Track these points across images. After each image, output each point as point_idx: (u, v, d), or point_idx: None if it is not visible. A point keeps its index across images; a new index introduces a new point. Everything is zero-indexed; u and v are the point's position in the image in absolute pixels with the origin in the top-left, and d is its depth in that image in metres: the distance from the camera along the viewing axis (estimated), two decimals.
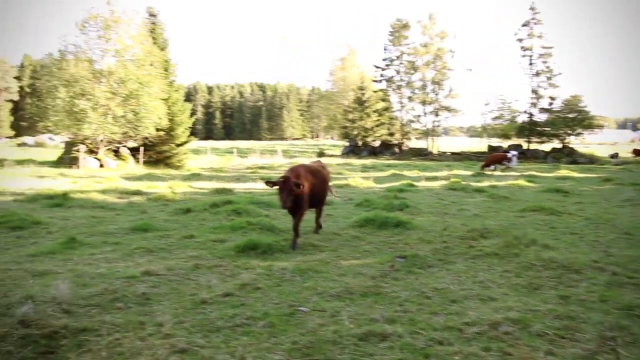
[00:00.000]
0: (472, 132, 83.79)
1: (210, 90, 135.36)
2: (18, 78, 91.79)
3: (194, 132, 39.30)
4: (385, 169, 30.61)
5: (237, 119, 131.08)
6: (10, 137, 76.24)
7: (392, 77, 59.49)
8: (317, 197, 9.18)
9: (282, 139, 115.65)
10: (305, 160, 25.91)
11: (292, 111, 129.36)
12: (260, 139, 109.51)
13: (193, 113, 39.99)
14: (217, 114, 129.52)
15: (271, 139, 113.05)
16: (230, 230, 9.85)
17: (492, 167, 28.64)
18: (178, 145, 34.29)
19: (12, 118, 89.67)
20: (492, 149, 49.61)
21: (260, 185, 17.79)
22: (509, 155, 30.06)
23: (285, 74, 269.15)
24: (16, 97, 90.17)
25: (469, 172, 27.63)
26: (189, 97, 67.92)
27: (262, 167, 31.59)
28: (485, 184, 19.81)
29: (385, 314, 5.05)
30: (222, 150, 53.25)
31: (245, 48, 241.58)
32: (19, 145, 51.52)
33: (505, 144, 52.51)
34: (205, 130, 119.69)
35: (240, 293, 5.88)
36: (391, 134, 58.30)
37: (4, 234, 9.56)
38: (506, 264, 7.12)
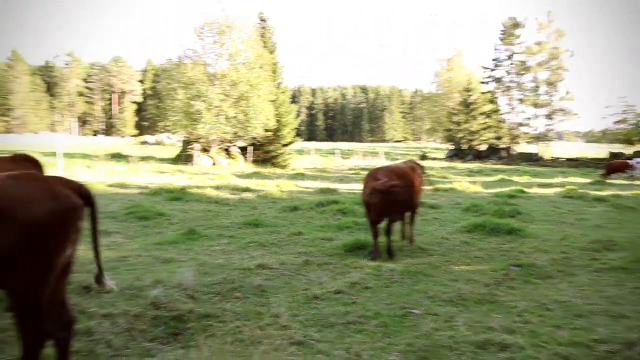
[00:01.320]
0: (590, 138, 77.80)
1: (314, 92, 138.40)
2: (142, 82, 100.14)
3: (298, 134, 40.41)
4: (493, 174, 29.35)
5: (339, 121, 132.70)
6: (134, 136, 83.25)
7: (501, 78, 56.87)
8: (410, 201, 8.42)
9: (384, 141, 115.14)
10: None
11: (394, 113, 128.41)
12: (361, 141, 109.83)
13: (297, 115, 41.10)
14: (320, 116, 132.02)
15: (372, 141, 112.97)
16: (337, 230, 10.00)
17: (613, 175, 26.33)
18: (284, 145, 35.42)
19: (136, 118, 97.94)
20: (613, 156, 45.66)
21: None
22: (632, 163, 27.39)
23: (387, 76, 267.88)
24: (140, 100, 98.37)
25: (587, 180, 25.64)
26: (294, 99, 69.90)
27: (364, 169, 31.62)
28: (606, 193, 18.28)
29: (503, 324, 4.84)
30: (324, 151, 54.17)
31: (349, 51, 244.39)
32: (142, 143, 56.11)
33: (629, 150, 48.10)
34: (309, 131, 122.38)
35: (351, 291, 5.95)
36: (499, 138, 55.75)
37: (133, 223, 10.46)
38: (637, 280, 6.53)
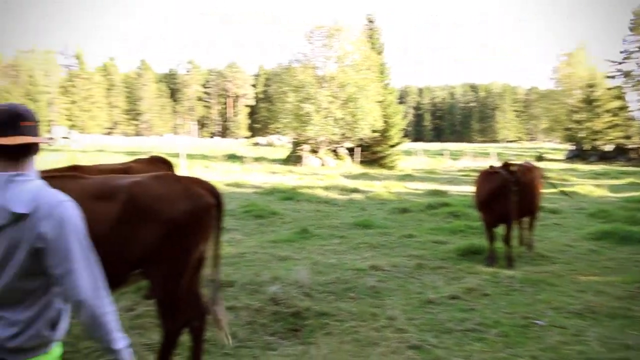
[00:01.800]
0: None
1: (420, 92, 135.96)
2: (254, 86, 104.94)
3: (405, 134, 39.93)
4: (621, 176, 26.85)
5: (447, 120, 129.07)
6: (246, 137, 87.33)
7: (631, 71, 51.90)
8: (528, 204, 7.82)
9: (495, 141, 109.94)
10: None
11: (506, 112, 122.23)
12: (470, 141, 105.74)
13: (404, 115, 40.60)
14: (427, 116, 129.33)
15: (483, 141, 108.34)
16: (449, 233, 9.76)
17: None
18: (391, 146, 35.19)
19: (248, 121, 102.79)
20: None
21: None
22: None
23: (499, 73, 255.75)
24: (252, 103, 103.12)
25: None
26: (400, 99, 69.17)
27: (475, 170, 30.49)
28: None
29: None
30: (432, 151, 53.01)
31: (456, 49, 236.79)
32: (254, 144, 58.70)
33: None
34: (416, 132, 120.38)
35: (467, 297, 5.77)
36: (627, 137, 50.87)
37: (249, 221, 10.99)
38: None
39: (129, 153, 31.17)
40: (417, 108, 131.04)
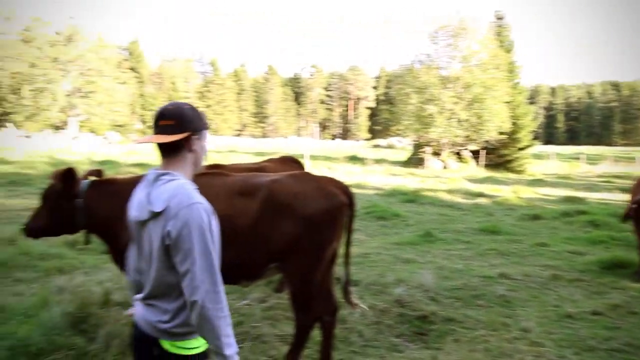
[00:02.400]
0: None
1: (553, 91, 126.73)
2: (375, 88, 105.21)
3: (535, 136, 37.51)
4: None
5: (583, 122, 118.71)
6: (366, 139, 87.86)
7: None
8: None
9: None
10: None
11: None
12: (610, 144, 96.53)
13: (535, 116, 38.15)
14: (560, 117, 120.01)
15: (625, 145, 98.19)
16: (587, 243, 9.01)
17: None
18: (520, 149, 33.25)
19: (368, 123, 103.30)
20: None
21: (619, 196, 15.62)
22: None
23: None
24: (373, 105, 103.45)
25: None
26: (530, 99, 65.09)
27: (617, 176, 27.76)
28: None
29: None
30: (565, 155, 49.20)
31: (595, 46, 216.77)
32: (374, 146, 58.89)
33: None
34: (546, 134, 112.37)
35: (611, 314, 5.28)
36: None
37: (371, 222, 11.03)
38: None
39: (257, 153, 32.92)
40: (548, 108, 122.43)
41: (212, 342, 1.91)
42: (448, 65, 34.88)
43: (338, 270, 4.11)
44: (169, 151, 2.03)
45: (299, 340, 3.71)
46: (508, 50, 35.67)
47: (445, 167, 31.11)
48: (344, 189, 3.81)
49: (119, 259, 3.87)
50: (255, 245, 3.52)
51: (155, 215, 1.92)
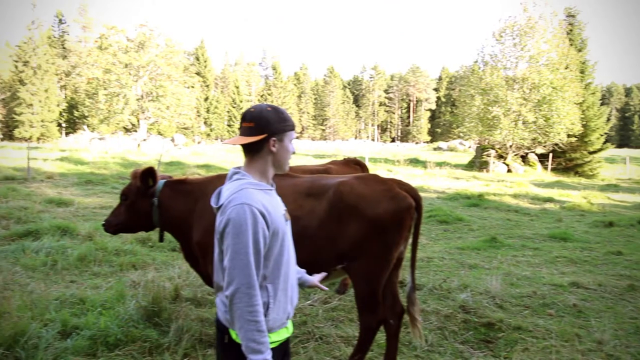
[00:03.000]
0: None
1: (628, 91, 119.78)
2: (436, 89, 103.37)
3: (608, 139, 35.58)
4: None
5: None
6: (427, 142, 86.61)
7: None
8: None
9: None
10: None
11: None
12: None
13: (608, 118, 36.17)
14: (636, 119, 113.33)
15: None
16: None
17: None
18: (591, 152, 31.65)
19: (429, 125, 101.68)
20: None
21: None
22: None
23: None
24: (434, 107, 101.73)
25: None
26: (603, 100, 61.74)
27: None
28: None
29: None
30: None
31: None
32: (435, 149, 57.87)
33: None
34: (620, 136, 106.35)
35: None
36: None
37: (434, 226, 10.86)
38: None
39: (315, 156, 33.19)
40: (623, 110, 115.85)
41: (242, 343, 1.96)
42: (514, 65, 33.72)
43: (403, 274, 4.07)
44: (249, 151, 2.17)
45: (364, 343, 3.71)
46: (579, 49, 34.10)
47: (510, 171, 30.11)
48: (411, 191, 3.78)
49: (190, 256, 4.04)
50: (322, 246, 3.56)
51: (218, 209, 2.09)
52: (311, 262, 3.62)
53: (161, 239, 4.21)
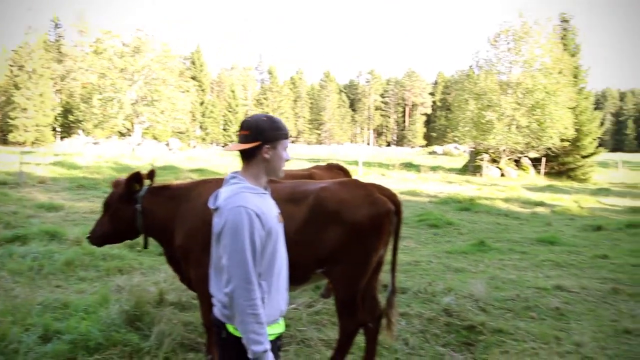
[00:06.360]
0: None
1: (622, 96, 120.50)
2: (432, 94, 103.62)
3: (601, 143, 35.77)
4: None
5: None
6: (422, 146, 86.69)
7: None
8: None
9: None
10: None
11: None
12: None
13: (601, 122, 36.33)
14: (630, 123, 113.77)
15: None
16: None
17: None
18: (584, 156, 31.79)
19: (424, 129, 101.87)
20: None
21: None
22: None
23: None
24: (429, 111, 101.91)
25: None
26: (597, 104, 62.04)
27: None
28: None
29: None
30: (634, 163, 46.63)
31: None
32: (430, 153, 58.00)
33: None
34: (615, 141, 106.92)
35: None
36: None
37: (424, 230, 10.91)
38: None
39: (310, 160, 33.20)
40: (617, 114, 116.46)
41: (243, 335, 2.09)
42: (508, 70, 33.90)
43: (386, 277, 4.10)
44: (245, 157, 2.30)
45: (343, 346, 3.75)
46: (573, 54, 34.29)
47: (503, 175, 30.21)
48: (391, 196, 3.83)
49: (172, 259, 4.08)
50: (302, 251, 3.60)
51: (215, 210, 2.24)
52: (291, 266, 3.66)
53: (145, 245, 4.25)
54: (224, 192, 2.24)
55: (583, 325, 5.14)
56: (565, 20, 35.54)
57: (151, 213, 3.98)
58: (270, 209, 2.26)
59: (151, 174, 4.17)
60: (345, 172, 6.25)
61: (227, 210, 2.13)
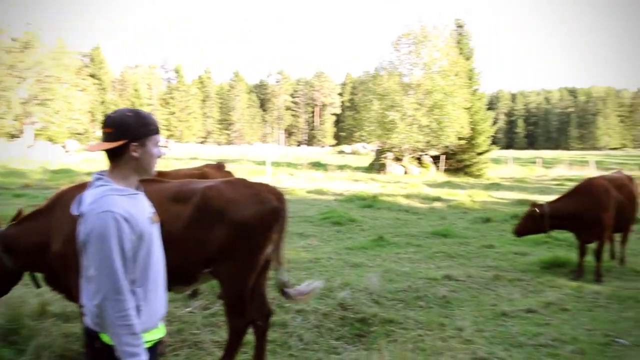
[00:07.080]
0: None
1: (513, 97, 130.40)
2: (341, 94, 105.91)
3: (494, 141, 38.45)
4: None
5: (542, 127, 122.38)
6: (332, 145, 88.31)
7: None
8: (622, 217, 7.42)
9: (595, 148, 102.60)
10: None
11: (609, 117, 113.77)
12: (567, 149, 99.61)
13: (494, 122, 39.07)
14: (520, 123, 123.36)
15: (581, 149, 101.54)
16: (532, 244, 9.31)
17: None
18: (479, 154, 34.01)
19: (334, 129, 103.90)
20: None
21: None
22: None
23: (601, 77, 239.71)
24: (338, 111, 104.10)
25: None
26: (490, 105, 66.65)
27: (570, 179, 28.69)
28: None
29: None
30: (524, 159, 50.49)
31: (553, 53, 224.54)
32: (339, 152, 59.24)
33: None
34: (507, 139, 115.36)
35: (544, 311, 5.51)
36: None
37: (328, 227, 11.13)
38: None
39: (219, 161, 32.63)
40: (509, 114, 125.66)
41: (117, 348, 1.98)
42: (410, 72, 35.46)
43: (287, 275, 4.13)
44: (111, 157, 2.12)
45: (233, 345, 3.75)
46: (468, 58, 36.47)
47: (406, 173, 31.54)
48: (277, 194, 3.88)
49: (51, 277, 3.79)
50: (189, 250, 3.56)
51: (79, 216, 2.05)
52: (179, 267, 3.59)
53: (37, 284, 3.91)
54: (88, 196, 2.05)
55: (465, 311, 5.52)
56: (460, 26, 37.75)
57: (24, 244, 3.65)
58: (141, 211, 2.12)
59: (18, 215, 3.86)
60: (228, 172, 6.28)
61: (92, 217, 1.97)
